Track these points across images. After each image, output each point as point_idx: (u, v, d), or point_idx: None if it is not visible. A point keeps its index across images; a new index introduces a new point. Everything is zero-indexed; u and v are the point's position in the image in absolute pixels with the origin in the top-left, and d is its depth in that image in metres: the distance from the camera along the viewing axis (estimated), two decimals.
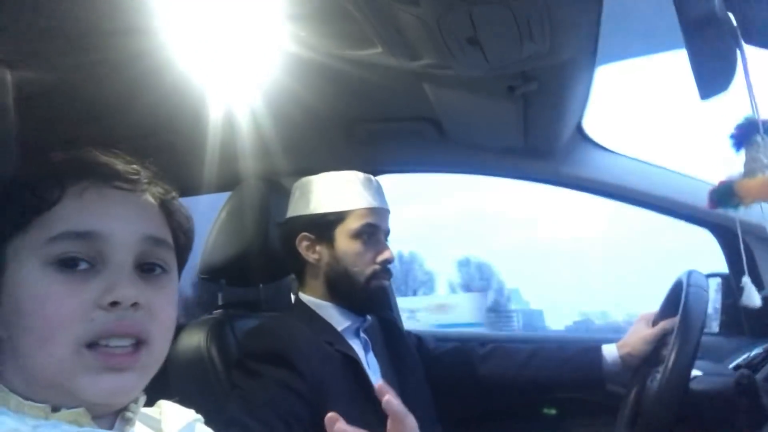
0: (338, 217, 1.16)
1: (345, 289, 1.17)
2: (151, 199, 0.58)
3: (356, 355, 1.13)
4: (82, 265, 0.53)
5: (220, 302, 1.34)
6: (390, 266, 1.20)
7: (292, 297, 1.68)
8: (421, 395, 1.24)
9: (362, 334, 1.20)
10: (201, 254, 1.32)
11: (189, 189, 1.47)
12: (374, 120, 1.37)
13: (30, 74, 0.95)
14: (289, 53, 0.97)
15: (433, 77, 1.07)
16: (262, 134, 1.26)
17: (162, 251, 0.58)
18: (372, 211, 1.17)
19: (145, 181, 0.58)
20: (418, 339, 1.37)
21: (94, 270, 0.53)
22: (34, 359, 0.52)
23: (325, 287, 1.18)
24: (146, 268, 0.56)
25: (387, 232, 1.21)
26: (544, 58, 0.94)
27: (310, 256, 1.18)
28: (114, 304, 0.52)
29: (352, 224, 1.16)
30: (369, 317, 1.22)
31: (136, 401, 0.58)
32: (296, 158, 1.44)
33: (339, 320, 1.17)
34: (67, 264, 0.52)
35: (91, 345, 0.52)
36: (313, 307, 1.18)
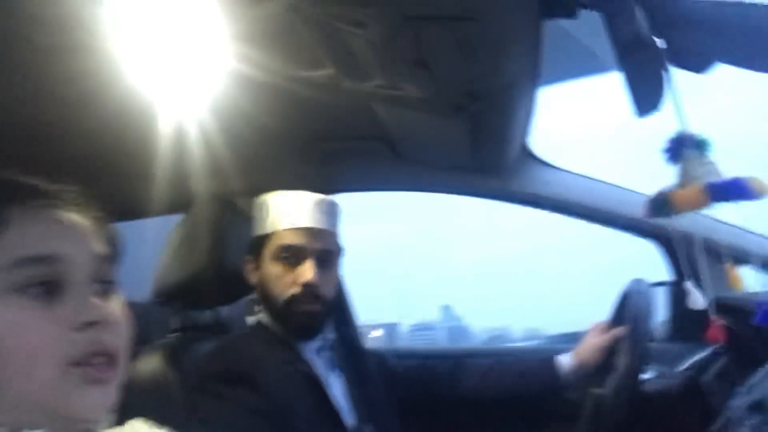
0: (264, 240, 1.15)
1: (272, 313, 1.15)
2: (85, 219, 0.58)
3: (317, 374, 1.12)
4: (48, 290, 0.52)
5: (172, 326, 1.31)
6: (319, 290, 1.12)
7: (247, 318, 1.67)
8: (384, 413, 1.24)
9: (324, 353, 1.20)
10: (154, 277, 1.30)
11: (139, 211, 1.44)
12: (328, 139, 1.38)
13: None
14: (240, 74, 0.97)
15: (383, 97, 1.10)
16: (215, 155, 1.25)
17: (109, 268, 0.58)
18: (295, 231, 1.13)
19: (74, 201, 0.58)
20: (380, 357, 1.38)
21: (58, 293, 0.53)
22: (21, 388, 0.50)
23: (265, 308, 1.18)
24: (100, 287, 0.56)
25: (324, 253, 1.15)
26: (488, 79, 0.98)
27: (252, 279, 1.18)
28: (89, 324, 0.52)
29: (272, 246, 1.14)
30: (330, 336, 1.22)
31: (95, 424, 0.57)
32: (250, 178, 1.44)
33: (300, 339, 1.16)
34: (33, 290, 0.51)
35: (75, 364, 0.52)
36: (273, 327, 1.17)
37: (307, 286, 1.11)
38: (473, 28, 0.83)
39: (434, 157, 1.43)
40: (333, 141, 1.39)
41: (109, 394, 0.54)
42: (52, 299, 0.52)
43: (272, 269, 1.13)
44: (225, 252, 1.27)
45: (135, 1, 0.78)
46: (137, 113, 1.04)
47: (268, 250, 1.14)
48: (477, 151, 1.32)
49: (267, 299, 1.15)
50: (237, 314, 1.55)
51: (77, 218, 0.56)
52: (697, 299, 1.01)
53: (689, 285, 1.02)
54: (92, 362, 0.52)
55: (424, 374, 1.35)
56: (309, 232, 1.13)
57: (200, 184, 1.33)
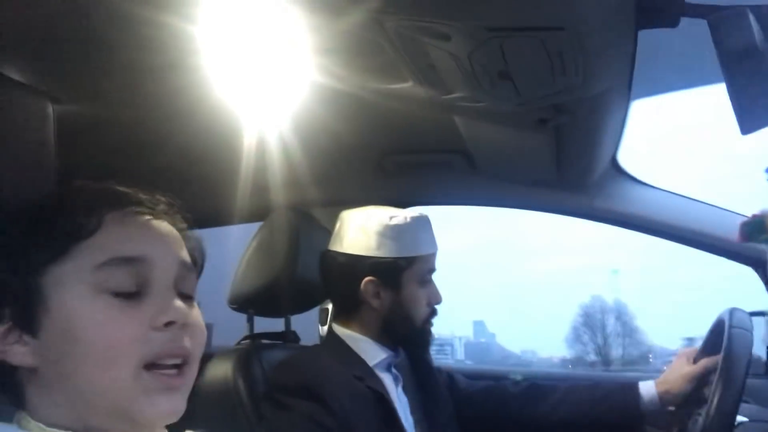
0: (408, 263, 1.14)
1: (402, 332, 1.16)
2: (174, 227, 0.60)
3: (386, 391, 1.11)
4: (133, 290, 0.54)
5: (247, 332, 1.33)
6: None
7: (320, 328, 1.68)
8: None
9: (393, 370, 1.18)
10: (231, 283, 1.33)
11: (222, 218, 1.49)
12: (404, 152, 1.37)
13: (74, 108, 0.99)
14: (320, 86, 0.98)
15: (463, 110, 1.07)
16: (293, 165, 1.27)
17: (192, 276, 0.60)
18: (433, 255, 1.17)
19: (165, 210, 0.60)
20: (450, 377, 1.34)
21: (141, 294, 0.55)
22: (95, 384, 0.52)
23: (378, 328, 1.15)
24: (181, 293, 0.58)
25: None
26: (576, 91, 0.93)
27: (374, 301, 1.14)
28: (168, 324, 0.54)
29: (421, 269, 1.15)
30: (401, 353, 1.20)
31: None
32: (326, 189, 1.45)
33: (372, 355, 1.15)
34: (119, 289, 0.53)
35: (148, 366, 0.53)
36: (346, 340, 1.16)
37: (437, 305, 1.18)
38: (562, 39, 0.79)
39: (514, 171, 1.38)
40: (410, 153, 1.38)
41: (177, 402, 0.55)
42: (136, 300, 0.54)
43: (416, 292, 1.15)
44: (300, 261, 1.28)
45: (222, 19, 0.80)
46: (223, 126, 1.08)
47: (412, 274, 1.14)
48: (561, 166, 1.27)
49: (400, 321, 1.15)
50: (307, 323, 1.56)
51: (166, 226, 0.59)
52: None
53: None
54: (167, 363, 0.54)
55: (495, 395, 1.30)
56: (436, 254, 1.19)
57: (279, 194, 1.36)
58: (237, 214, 1.40)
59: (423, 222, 1.16)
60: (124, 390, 0.52)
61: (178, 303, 0.55)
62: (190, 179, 1.31)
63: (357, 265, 1.14)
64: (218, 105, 1.00)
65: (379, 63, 0.91)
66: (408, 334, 1.16)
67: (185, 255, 0.59)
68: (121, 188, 0.59)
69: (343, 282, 1.16)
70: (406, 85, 0.97)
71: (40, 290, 0.53)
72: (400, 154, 1.38)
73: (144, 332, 0.53)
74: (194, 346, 0.56)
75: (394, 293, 1.14)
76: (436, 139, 1.30)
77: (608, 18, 0.76)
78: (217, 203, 1.40)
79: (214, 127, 1.08)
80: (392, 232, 1.13)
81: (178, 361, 0.54)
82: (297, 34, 0.83)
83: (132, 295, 0.54)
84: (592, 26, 0.77)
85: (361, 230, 1.15)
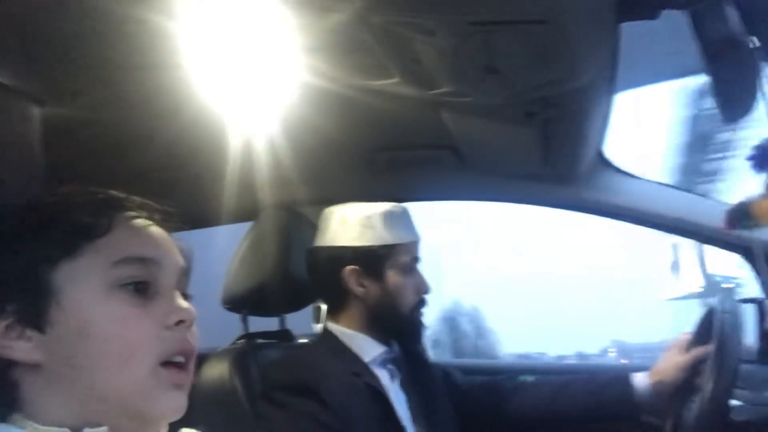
0: (389, 251, 1.16)
1: (390, 322, 1.17)
2: (167, 232, 0.62)
3: (382, 387, 1.12)
4: (143, 289, 0.56)
5: (242, 332, 1.34)
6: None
7: (313, 326, 1.68)
8: (448, 428, 1.22)
9: (389, 365, 1.19)
10: (223, 284, 1.33)
11: (210, 219, 1.49)
12: (393, 148, 1.37)
13: (59, 110, 0.98)
14: (308, 84, 0.98)
15: (451, 105, 1.08)
16: (283, 165, 1.27)
17: (186, 281, 0.62)
18: (415, 243, 1.19)
19: (161, 216, 0.62)
20: (446, 373, 1.35)
21: (150, 294, 0.57)
22: (111, 380, 0.53)
23: (367, 319, 1.17)
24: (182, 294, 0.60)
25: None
26: (562, 84, 0.94)
27: (358, 290, 1.16)
28: (179, 323, 0.56)
29: (402, 258, 1.16)
30: (397, 348, 1.21)
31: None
32: (316, 187, 1.45)
33: (367, 351, 1.15)
34: (131, 287, 0.55)
35: (163, 363, 0.55)
36: (341, 337, 1.17)
37: (425, 293, 1.20)
38: (546, 32, 0.80)
39: (503, 165, 1.39)
40: (399, 150, 1.38)
41: (184, 398, 0.57)
42: (146, 300, 0.56)
43: (400, 280, 1.16)
44: (291, 260, 1.28)
45: (207, 17, 0.80)
46: (210, 126, 1.07)
47: (394, 262, 1.16)
48: (549, 159, 1.28)
49: (387, 310, 1.16)
50: (302, 321, 1.56)
51: (163, 231, 0.61)
52: None
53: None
54: (176, 360, 0.56)
55: (491, 391, 1.31)
56: (418, 243, 1.20)
57: (268, 194, 1.36)
58: (225, 215, 1.40)
59: (401, 212, 1.18)
60: (139, 386, 0.54)
61: (186, 303, 0.58)
62: (176, 180, 1.30)
63: (339, 255, 1.16)
64: (204, 104, 1.00)
65: (365, 60, 0.91)
66: (396, 324, 1.16)
67: (182, 259, 0.61)
68: (124, 195, 0.61)
69: (327, 275, 1.18)
70: (394, 82, 0.97)
71: (51, 285, 0.54)
72: (389, 151, 1.38)
73: (158, 330, 0.55)
74: (195, 343, 0.58)
75: (378, 282, 1.15)
76: (425, 134, 1.30)
77: (588, 10, 0.77)
78: (205, 204, 1.39)
79: (201, 127, 1.08)
80: (371, 222, 1.15)
81: (183, 359, 0.56)
82: (283, 32, 0.83)
83: (142, 295, 0.56)
84: (573, 18, 0.77)
85: (341, 223, 1.17)
